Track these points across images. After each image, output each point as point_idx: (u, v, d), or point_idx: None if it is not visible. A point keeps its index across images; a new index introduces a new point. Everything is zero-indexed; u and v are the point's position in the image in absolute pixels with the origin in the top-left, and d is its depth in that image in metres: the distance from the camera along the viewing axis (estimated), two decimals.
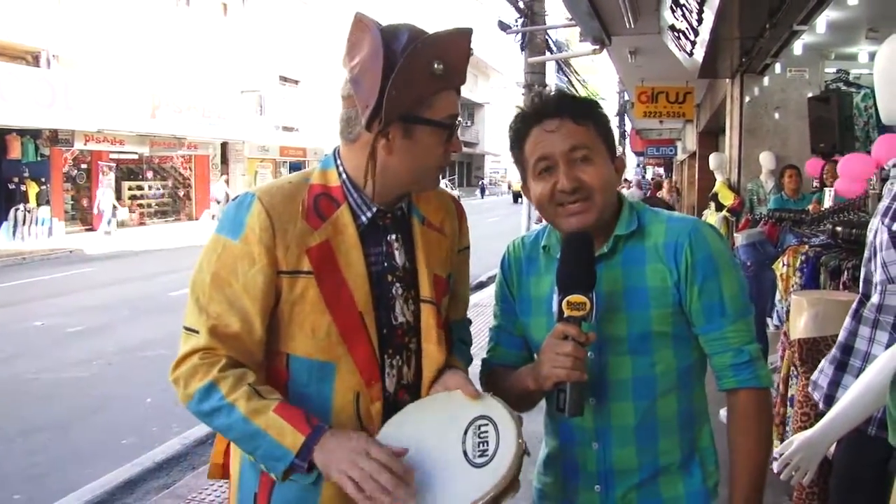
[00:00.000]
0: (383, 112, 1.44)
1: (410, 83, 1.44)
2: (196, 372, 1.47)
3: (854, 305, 2.20)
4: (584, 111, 1.61)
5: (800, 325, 3.00)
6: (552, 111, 1.60)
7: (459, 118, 1.62)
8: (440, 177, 1.64)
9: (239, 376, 1.47)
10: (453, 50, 1.50)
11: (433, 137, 1.52)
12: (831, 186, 6.48)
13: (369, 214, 1.59)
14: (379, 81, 1.43)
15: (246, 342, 1.51)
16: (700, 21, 6.80)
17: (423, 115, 1.49)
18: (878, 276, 2.04)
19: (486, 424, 1.46)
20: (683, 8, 6.92)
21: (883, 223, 2.03)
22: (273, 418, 1.43)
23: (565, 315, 1.50)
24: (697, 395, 1.69)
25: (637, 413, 1.61)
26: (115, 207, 22.31)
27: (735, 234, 6.93)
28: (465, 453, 1.44)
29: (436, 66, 1.45)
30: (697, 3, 6.31)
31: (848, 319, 2.21)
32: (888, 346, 1.97)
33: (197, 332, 1.49)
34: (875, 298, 2.06)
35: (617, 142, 1.69)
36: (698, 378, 1.69)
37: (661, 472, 1.63)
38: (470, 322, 1.89)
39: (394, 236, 1.63)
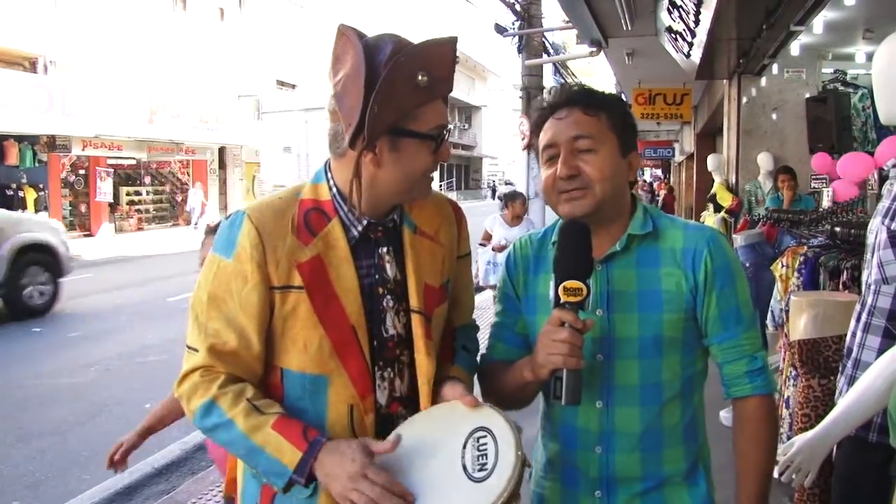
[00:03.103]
0: (366, 130, 1.43)
1: (393, 98, 1.42)
2: (196, 389, 1.50)
3: (857, 308, 2.20)
4: (595, 102, 1.61)
5: (800, 327, 2.99)
6: (564, 101, 1.62)
7: (451, 124, 1.60)
8: (431, 184, 1.63)
9: (238, 392, 1.49)
10: (437, 60, 1.47)
11: (420, 149, 1.51)
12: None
13: (360, 228, 1.58)
14: (361, 98, 1.41)
15: (244, 358, 1.52)
16: (697, 22, 6.80)
17: (409, 128, 1.48)
18: (872, 276, 2.03)
19: (485, 436, 1.44)
20: (680, 9, 6.93)
21: (883, 223, 2.02)
22: (271, 435, 1.44)
23: (562, 301, 1.49)
24: (699, 405, 1.68)
25: (643, 419, 1.59)
26: (203, 205, 25.02)
27: (734, 236, 6.92)
28: (464, 467, 1.42)
29: (420, 77, 1.43)
30: (694, 4, 6.32)
31: (852, 322, 2.20)
32: (879, 350, 1.96)
33: (197, 350, 1.52)
34: (868, 299, 2.05)
35: (636, 142, 1.66)
36: (700, 388, 1.68)
37: (666, 483, 1.62)
38: (477, 329, 1.86)
39: (385, 249, 1.62)
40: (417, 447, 1.48)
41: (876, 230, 2.07)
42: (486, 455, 1.42)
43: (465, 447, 1.45)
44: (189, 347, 1.54)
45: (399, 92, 1.43)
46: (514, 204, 7.90)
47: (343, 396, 1.54)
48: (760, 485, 1.58)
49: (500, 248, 7.42)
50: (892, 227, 1.97)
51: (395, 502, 1.36)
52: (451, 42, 1.50)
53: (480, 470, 1.40)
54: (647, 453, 1.60)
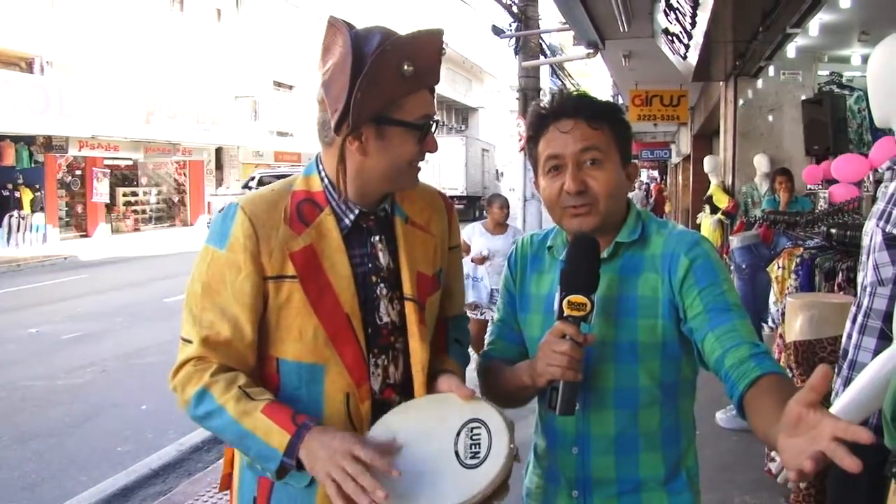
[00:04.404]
0: (350, 116, 1.46)
1: (378, 85, 1.46)
2: (190, 379, 1.52)
3: (852, 309, 2.20)
4: (600, 114, 1.61)
5: (795, 328, 3.00)
6: (569, 111, 1.61)
7: (437, 117, 1.62)
8: (418, 174, 1.64)
9: (230, 380, 1.50)
10: (423, 50, 1.51)
11: (406, 138, 1.54)
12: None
13: (352, 217, 1.61)
14: (347, 85, 1.45)
15: (238, 348, 1.54)
16: (693, 24, 6.82)
17: (394, 117, 1.51)
18: (868, 278, 2.04)
19: (479, 427, 1.47)
20: (677, 11, 6.94)
21: (878, 225, 2.02)
22: (260, 419, 1.45)
23: (565, 314, 1.50)
24: (684, 413, 1.67)
25: (618, 423, 1.60)
26: None
27: (730, 237, 6.94)
28: (456, 454, 1.44)
29: (405, 67, 1.46)
30: (691, 6, 6.33)
31: (847, 323, 2.21)
32: (875, 352, 1.97)
33: (191, 341, 1.53)
34: (864, 301, 2.05)
35: (631, 152, 1.68)
36: (685, 396, 1.67)
37: (643, 487, 1.62)
38: (467, 320, 1.90)
39: (377, 237, 1.64)
40: (412, 433, 1.49)
41: (871, 232, 2.07)
42: (479, 444, 1.44)
43: (458, 435, 1.47)
44: (183, 339, 1.55)
45: (384, 80, 1.46)
46: (491, 208, 6.67)
47: (339, 385, 1.56)
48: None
49: (481, 260, 6.37)
50: (886, 230, 1.97)
51: (371, 480, 1.33)
52: (438, 33, 1.54)
53: (473, 458, 1.42)
54: (622, 456, 1.61)
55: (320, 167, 1.62)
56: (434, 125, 1.59)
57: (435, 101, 1.61)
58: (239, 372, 1.53)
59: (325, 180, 1.61)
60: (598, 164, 1.59)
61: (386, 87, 1.47)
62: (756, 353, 1.43)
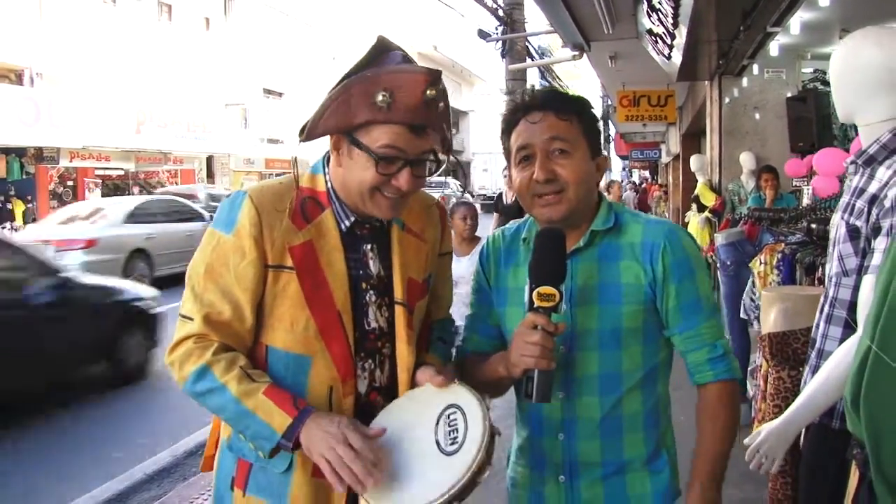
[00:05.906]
0: (308, 126, 1.55)
1: (344, 106, 1.53)
2: (190, 355, 1.56)
3: (821, 300, 2.26)
4: (567, 106, 1.68)
5: (770, 320, 3.06)
6: (538, 104, 1.68)
7: (426, 156, 1.61)
8: (390, 206, 1.62)
9: (231, 359, 1.56)
10: (406, 86, 1.53)
11: (367, 164, 1.57)
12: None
13: (348, 222, 1.66)
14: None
15: (237, 329, 1.59)
16: (676, 25, 6.88)
17: (359, 139, 1.56)
18: (833, 269, 2.10)
19: (455, 412, 1.53)
20: (659, 12, 7.00)
21: (842, 218, 2.08)
22: (262, 400, 1.51)
23: (535, 305, 1.56)
24: (663, 394, 1.75)
25: (603, 408, 1.66)
26: None
27: (715, 235, 7.00)
28: (437, 443, 1.51)
29: (380, 97, 1.51)
30: (672, 7, 6.39)
31: (816, 314, 2.26)
32: (841, 340, 2.02)
33: (191, 318, 1.59)
34: (830, 291, 2.11)
35: (602, 145, 1.75)
36: (664, 377, 1.75)
37: (627, 468, 1.68)
38: (453, 323, 1.95)
39: (369, 246, 1.70)
40: (394, 430, 1.56)
41: (836, 225, 2.13)
42: (456, 430, 1.51)
43: (437, 424, 1.53)
44: (183, 316, 1.60)
45: (351, 103, 1.53)
46: (454, 219, 5.21)
47: (324, 378, 1.62)
48: (715, 463, 1.65)
49: None
50: (850, 222, 2.03)
51: (365, 470, 1.43)
52: (427, 73, 1.54)
53: (452, 444, 1.49)
54: (608, 439, 1.67)
55: (326, 170, 1.68)
56: (406, 163, 1.57)
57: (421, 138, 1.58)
58: (239, 353, 1.59)
59: (329, 183, 1.66)
60: (566, 153, 1.65)
61: (351, 109, 1.53)
62: (712, 358, 1.65)
